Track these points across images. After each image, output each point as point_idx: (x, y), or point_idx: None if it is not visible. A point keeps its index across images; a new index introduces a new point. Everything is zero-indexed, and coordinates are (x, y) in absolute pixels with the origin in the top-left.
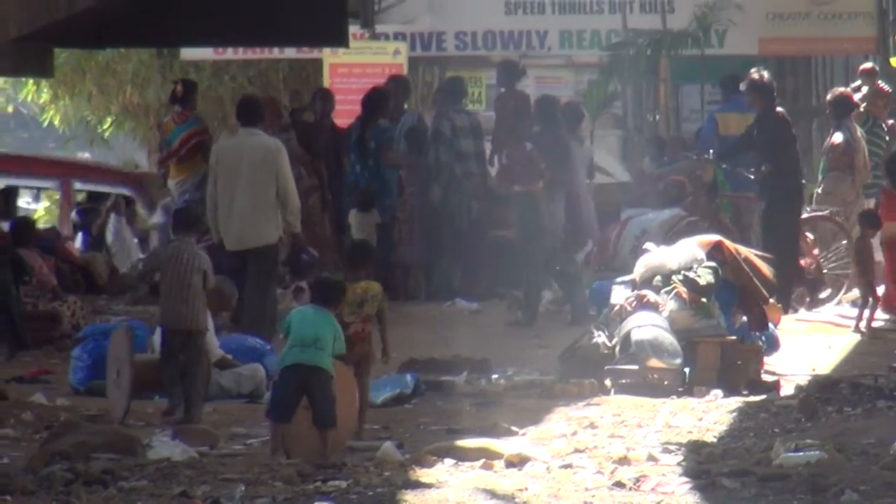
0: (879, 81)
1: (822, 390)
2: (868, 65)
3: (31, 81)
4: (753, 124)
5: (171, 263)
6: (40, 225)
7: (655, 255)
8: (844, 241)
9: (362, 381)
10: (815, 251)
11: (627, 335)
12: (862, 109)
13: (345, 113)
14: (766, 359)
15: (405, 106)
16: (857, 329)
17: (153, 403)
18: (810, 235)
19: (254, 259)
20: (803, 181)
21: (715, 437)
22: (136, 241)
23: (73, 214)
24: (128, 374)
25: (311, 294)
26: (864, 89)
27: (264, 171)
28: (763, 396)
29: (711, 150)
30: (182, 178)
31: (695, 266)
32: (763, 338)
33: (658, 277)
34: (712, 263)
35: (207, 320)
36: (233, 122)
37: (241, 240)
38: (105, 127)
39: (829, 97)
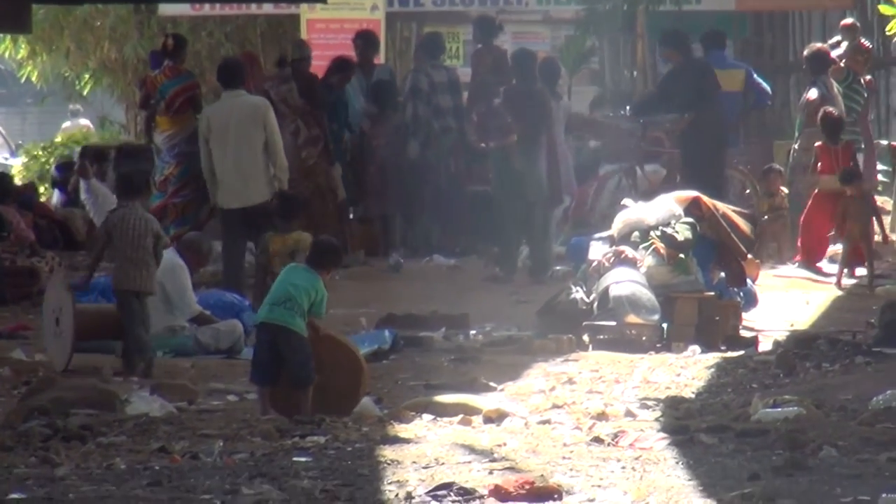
0: (860, 37)
1: (800, 346)
2: (848, 20)
3: (8, 37)
4: (669, 74)
5: (120, 228)
6: (18, 181)
7: (633, 211)
8: (748, 191)
9: None
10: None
11: (605, 291)
12: (842, 65)
13: (322, 69)
14: (744, 314)
15: (376, 60)
16: (838, 285)
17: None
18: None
19: (248, 217)
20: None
21: (693, 392)
22: (113, 195)
23: (52, 170)
24: (70, 323)
25: (308, 254)
26: (844, 45)
27: (253, 129)
28: (741, 352)
29: (628, 107)
30: (173, 132)
31: (673, 222)
32: (741, 293)
33: (636, 233)
34: (690, 219)
35: (153, 283)
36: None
37: (238, 198)
38: (83, 83)
39: (805, 53)
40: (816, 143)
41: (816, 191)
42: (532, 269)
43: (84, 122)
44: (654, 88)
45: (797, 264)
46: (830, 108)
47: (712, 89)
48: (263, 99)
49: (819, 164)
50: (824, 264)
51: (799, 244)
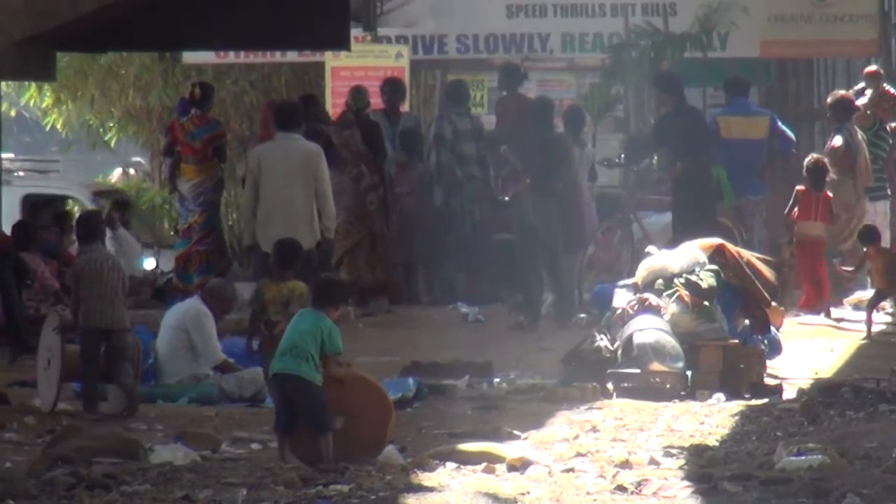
0: (885, 84)
1: (824, 394)
2: (873, 67)
3: (33, 85)
4: (661, 119)
5: (87, 270)
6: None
7: (657, 259)
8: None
9: None
10: None
11: (630, 339)
12: (868, 113)
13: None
14: (768, 362)
15: (402, 108)
16: (868, 334)
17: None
18: None
19: None
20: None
21: (717, 440)
22: (139, 243)
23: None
24: (58, 363)
25: (312, 295)
26: (869, 92)
27: (305, 175)
28: (765, 400)
29: (622, 154)
30: (199, 180)
31: (697, 269)
32: (765, 341)
33: (660, 281)
34: (714, 266)
35: (127, 318)
36: (236, 128)
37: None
38: (108, 131)
39: (829, 100)
40: (798, 188)
41: (794, 237)
42: (556, 315)
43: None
44: (647, 134)
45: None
46: (819, 156)
47: (704, 137)
48: (317, 146)
49: (796, 209)
50: (847, 311)
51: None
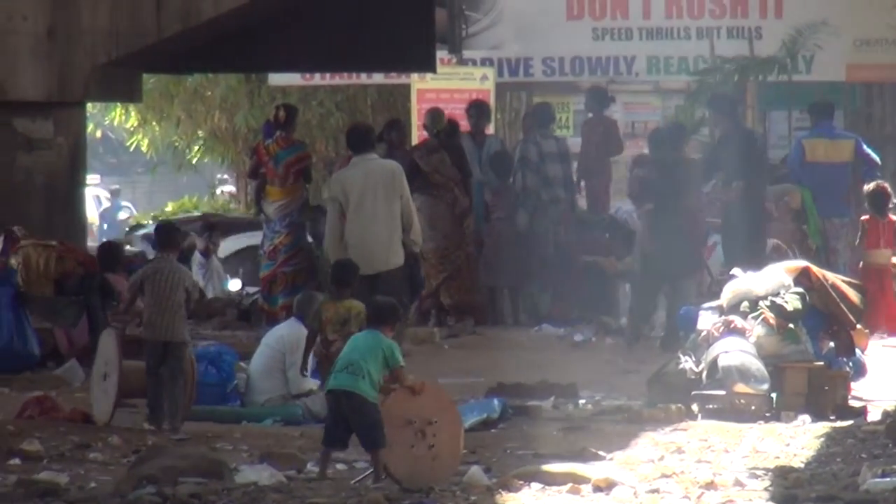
0: None
1: None
2: None
3: (119, 105)
4: (718, 142)
5: (152, 279)
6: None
7: (743, 281)
8: None
9: None
10: None
11: (715, 361)
12: None
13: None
14: (853, 384)
15: (488, 130)
16: None
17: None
18: None
19: (383, 282)
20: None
21: (802, 462)
22: (223, 268)
23: None
24: (115, 378)
25: (367, 316)
26: None
27: (390, 193)
28: (850, 422)
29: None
30: (285, 202)
31: (782, 292)
32: (850, 363)
33: (745, 303)
34: (800, 289)
35: (186, 332)
36: (321, 149)
37: (372, 264)
38: (193, 154)
39: None
40: (863, 217)
41: (862, 265)
42: (664, 339)
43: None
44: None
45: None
46: (879, 182)
47: (758, 159)
48: (395, 163)
49: (867, 238)
50: None
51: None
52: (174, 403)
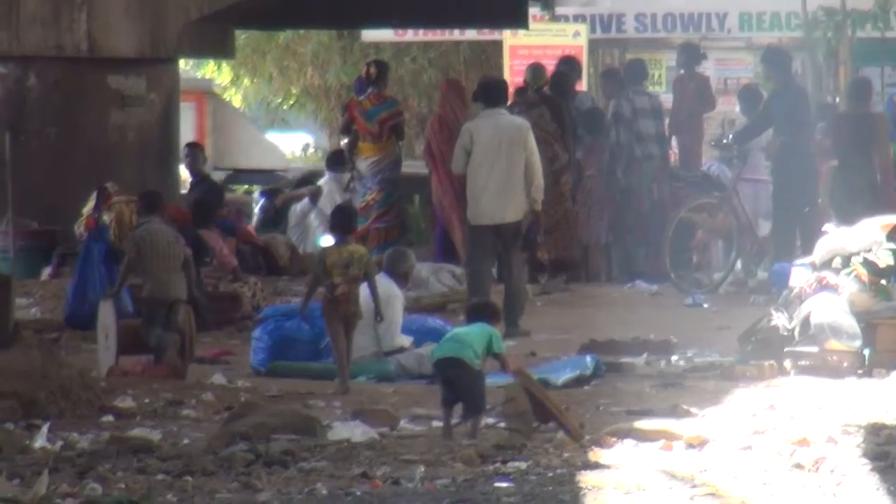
0: None
1: None
2: None
3: (211, 62)
4: (768, 99)
5: (150, 242)
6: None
7: (835, 237)
8: None
9: (349, 336)
10: None
11: (807, 317)
12: None
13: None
14: None
15: (579, 87)
16: None
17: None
18: None
19: (504, 234)
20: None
21: (894, 419)
22: (320, 226)
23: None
24: (114, 338)
25: (465, 317)
26: None
27: (516, 148)
28: None
29: (730, 135)
30: (377, 158)
31: (874, 248)
32: None
33: (837, 259)
34: (892, 245)
35: (184, 291)
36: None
37: (494, 215)
38: (287, 106)
39: None
40: None
41: None
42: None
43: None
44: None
45: None
46: None
47: (806, 116)
48: (524, 120)
49: None
50: None
51: None
52: (189, 349)
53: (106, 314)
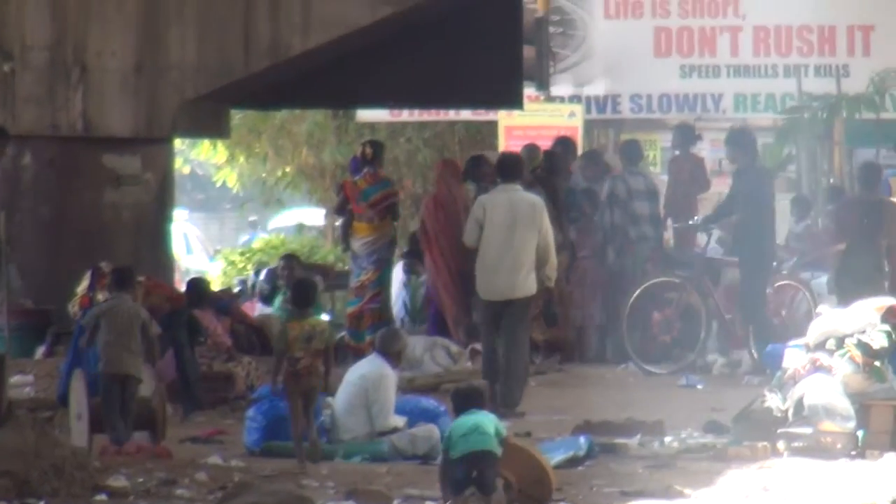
0: None
1: None
2: None
3: (206, 141)
4: (733, 181)
5: (109, 316)
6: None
7: (829, 319)
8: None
9: (308, 411)
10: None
11: (800, 399)
12: None
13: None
14: None
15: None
16: None
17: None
18: None
19: (512, 310)
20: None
21: (888, 500)
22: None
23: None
24: (86, 415)
25: (454, 406)
26: None
27: (530, 225)
28: None
29: (697, 217)
30: (372, 238)
31: (868, 329)
32: None
33: (831, 341)
34: (886, 327)
35: (141, 369)
36: (409, 186)
37: (503, 291)
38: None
39: None
40: None
41: None
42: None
43: (263, 234)
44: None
45: None
46: None
47: (766, 196)
48: (539, 197)
49: None
50: None
51: None
52: (126, 434)
53: (77, 391)
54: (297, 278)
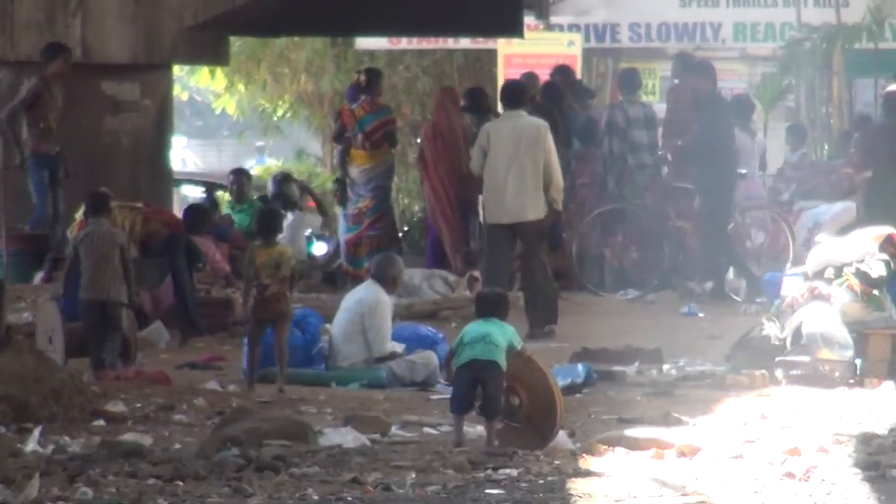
0: None
1: None
2: None
3: (205, 68)
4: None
5: (87, 242)
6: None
7: (827, 248)
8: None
9: (280, 337)
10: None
11: (799, 327)
12: None
13: None
14: None
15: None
16: None
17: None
18: None
19: (526, 235)
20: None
21: (885, 428)
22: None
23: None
24: (61, 340)
25: (476, 308)
26: None
27: (535, 149)
28: None
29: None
30: (369, 166)
31: (867, 258)
32: None
33: (830, 269)
34: (884, 256)
35: (123, 293)
36: (408, 113)
37: (512, 213)
38: (279, 115)
39: None
40: None
41: None
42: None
43: (270, 160)
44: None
45: None
46: None
47: (726, 123)
48: (543, 121)
49: None
50: None
51: None
52: (112, 359)
53: (50, 316)
54: (261, 209)
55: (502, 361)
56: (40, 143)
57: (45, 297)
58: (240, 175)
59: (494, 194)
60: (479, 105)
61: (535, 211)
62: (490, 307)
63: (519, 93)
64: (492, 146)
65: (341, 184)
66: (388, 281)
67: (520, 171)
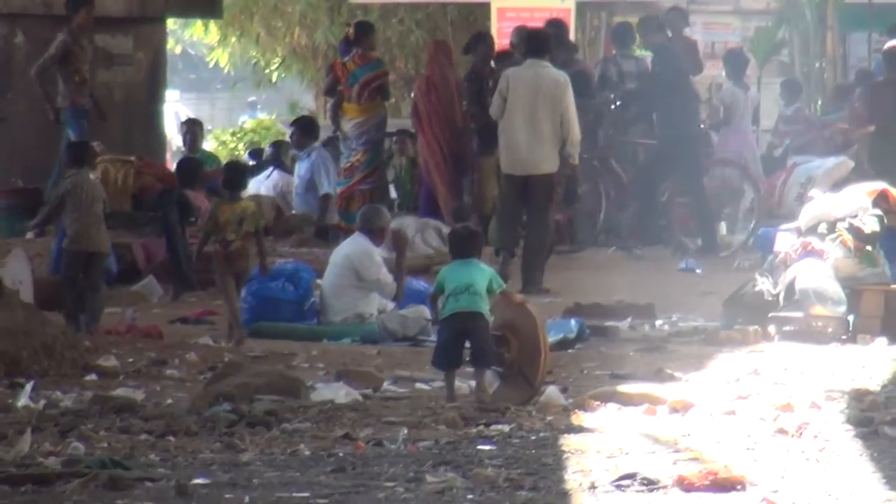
0: None
1: None
2: None
3: (198, 21)
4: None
5: (73, 194)
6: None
7: (821, 203)
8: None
9: (238, 291)
10: None
11: (792, 283)
12: None
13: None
14: None
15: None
16: None
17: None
18: None
19: (534, 188)
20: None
21: (878, 385)
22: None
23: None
24: (30, 293)
25: (450, 248)
26: None
27: (554, 101)
28: None
29: (612, 95)
30: (361, 119)
31: (860, 214)
32: None
33: (823, 225)
34: (878, 211)
35: (108, 244)
36: (401, 67)
37: (525, 166)
38: (272, 69)
39: None
40: None
41: None
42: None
43: (262, 115)
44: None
45: None
46: None
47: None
48: (564, 74)
49: None
50: None
51: None
52: (94, 312)
53: (18, 263)
54: (228, 162)
55: (486, 311)
56: (78, 95)
57: (17, 249)
58: (193, 125)
59: (508, 144)
60: (481, 49)
61: (545, 165)
62: (465, 246)
63: (544, 41)
64: (511, 93)
65: (333, 139)
66: (375, 232)
67: (535, 124)
